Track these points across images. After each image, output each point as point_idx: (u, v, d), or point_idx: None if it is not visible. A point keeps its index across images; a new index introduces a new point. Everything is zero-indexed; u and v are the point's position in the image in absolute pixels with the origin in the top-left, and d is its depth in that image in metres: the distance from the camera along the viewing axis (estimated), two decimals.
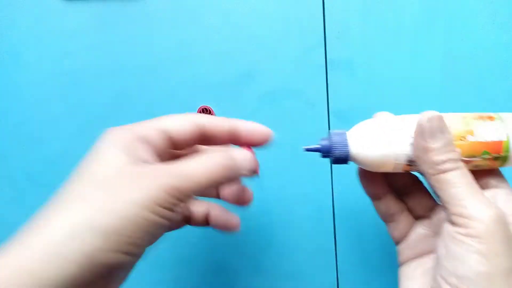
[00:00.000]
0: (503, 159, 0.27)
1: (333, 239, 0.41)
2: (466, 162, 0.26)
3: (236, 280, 0.42)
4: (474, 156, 0.26)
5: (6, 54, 0.42)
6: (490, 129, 0.26)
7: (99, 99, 0.42)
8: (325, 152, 0.29)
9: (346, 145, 0.28)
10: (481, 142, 0.26)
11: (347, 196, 0.41)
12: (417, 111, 0.40)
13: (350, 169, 0.41)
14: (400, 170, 0.28)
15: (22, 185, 0.43)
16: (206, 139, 0.27)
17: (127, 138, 0.24)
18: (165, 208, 0.22)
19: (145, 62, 0.41)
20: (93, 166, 0.23)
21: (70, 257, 0.20)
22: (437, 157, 0.24)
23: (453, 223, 0.23)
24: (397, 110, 0.40)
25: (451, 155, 0.24)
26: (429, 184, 0.25)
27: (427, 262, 0.28)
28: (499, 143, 0.26)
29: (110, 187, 0.22)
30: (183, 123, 0.26)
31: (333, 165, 0.29)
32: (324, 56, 0.40)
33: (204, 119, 0.27)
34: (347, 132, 0.29)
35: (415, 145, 0.26)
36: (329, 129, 0.41)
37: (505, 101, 0.40)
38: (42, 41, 0.42)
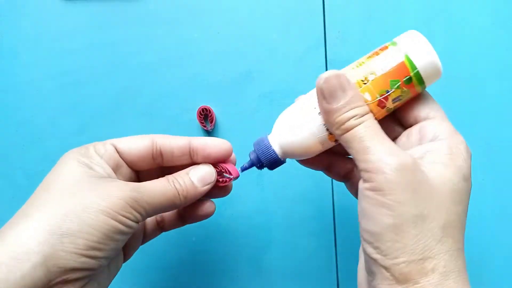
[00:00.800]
0: (417, 79, 0.24)
1: (333, 239, 0.41)
2: (383, 102, 0.24)
3: (236, 280, 0.42)
4: (386, 91, 0.24)
5: (6, 54, 0.42)
6: (386, 58, 0.25)
7: (99, 99, 0.42)
8: (258, 163, 0.29)
9: (270, 149, 0.27)
10: (383, 74, 0.24)
11: (347, 196, 0.41)
12: None
13: None
14: (331, 144, 0.27)
15: (22, 185, 0.43)
16: (164, 157, 0.29)
17: (85, 154, 0.26)
18: (124, 216, 0.23)
19: (145, 62, 0.41)
20: (55, 177, 0.24)
21: (34, 259, 0.20)
22: (341, 116, 0.23)
23: (363, 179, 0.22)
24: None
25: (355, 111, 0.23)
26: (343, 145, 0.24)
27: None
28: (401, 65, 0.24)
29: (71, 194, 0.23)
30: (136, 140, 0.28)
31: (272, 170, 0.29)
32: (324, 56, 0.40)
33: (158, 137, 0.28)
34: (268, 136, 0.28)
35: (320, 111, 0.25)
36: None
37: (505, 101, 0.40)
38: (42, 41, 0.42)
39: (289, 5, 0.40)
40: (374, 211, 0.21)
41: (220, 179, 0.29)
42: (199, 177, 0.28)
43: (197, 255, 0.42)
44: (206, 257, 0.42)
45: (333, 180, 0.41)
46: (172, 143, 0.28)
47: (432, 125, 0.24)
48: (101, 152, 0.26)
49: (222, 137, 0.41)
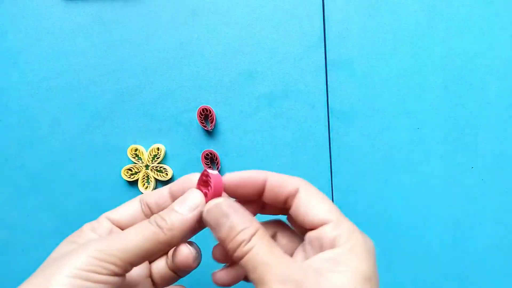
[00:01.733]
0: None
1: None
2: None
3: None
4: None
5: (6, 54, 0.42)
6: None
7: (99, 99, 0.42)
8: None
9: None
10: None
11: (346, 195, 0.41)
12: (417, 110, 0.40)
13: (350, 168, 0.41)
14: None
15: (22, 185, 0.43)
16: (152, 211, 0.28)
17: (77, 234, 0.26)
18: (93, 272, 0.22)
19: (145, 62, 0.41)
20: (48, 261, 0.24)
21: None
22: (230, 244, 0.23)
23: None
24: (397, 109, 0.40)
25: (241, 237, 0.23)
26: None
27: None
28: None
29: (47, 268, 0.22)
30: (127, 207, 0.28)
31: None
32: (324, 56, 0.40)
33: (144, 195, 0.28)
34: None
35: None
36: (328, 129, 0.41)
37: (505, 103, 0.40)
38: (42, 41, 0.42)
39: (289, 5, 0.40)
40: None
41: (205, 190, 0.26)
42: (181, 202, 0.25)
43: None
44: (206, 257, 0.42)
45: (333, 180, 0.41)
46: (155, 194, 0.28)
47: (328, 230, 0.23)
48: (95, 227, 0.26)
49: (222, 137, 0.41)
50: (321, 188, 0.41)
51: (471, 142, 0.40)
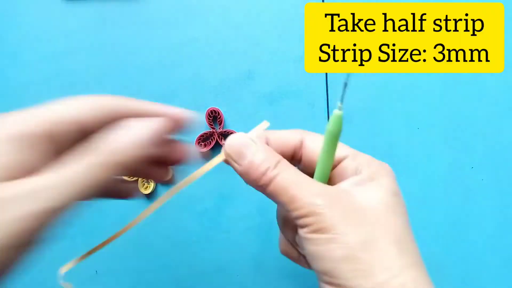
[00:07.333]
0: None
1: None
2: None
3: (236, 280, 0.42)
4: None
5: (6, 54, 0.42)
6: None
7: None
8: None
9: None
10: None
11: None
12: (417, 109, 0.40)
13: None
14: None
15: None
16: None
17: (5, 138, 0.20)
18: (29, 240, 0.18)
19: (145, 62, 0.41)
20: None
21: None
22: (254, 174, 0.23)
23: (300, 226, 0.22)
24: (397, 109, 0.40)
25: (265, 164, 0.22)
26: None
27: None
28: None
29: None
30: (83, 111, 0.21)
31: None
32: None
33: (112, 102, 0.22)
34: None
35: (239, 175, 0.24)
36: None
37: (505, 103, 0.40)
38: (42, 41, 0.42)
39: (289, 5, 0.40)
40: (323, 250, 0.21)
41: None
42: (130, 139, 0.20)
43: (197, 255, 0.42)
44: (206, 257, 0.42)
45: None
46: (130, 111, 0.23)
47: (348, 162, 0.25)
48: (29, 136, 0.21)
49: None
50: None
51: (471, 142, 0.40)
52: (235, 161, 0.24)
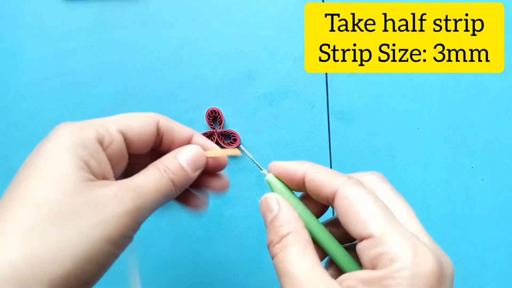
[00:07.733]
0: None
1: None
2: None
3: (236, 280, 0.42)
4: None
5: (6, 54, 0.42)
6: None
7: (99, 99, 0.42)
8: None
9: None
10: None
11: None
12: (417, 109, 0.40)
13: (350, 168, 0.41)
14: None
15: None
16: (162, 148, 0.24)
17: (83, 143, 0.20)
18: (126, 236, 0.19)
19: (145, 62, 0.41)
20: (38, 185, 0.19)
21: None
22: (271, 236, 0.22)
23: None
24: (398, 109, 0.40)
25: (281, 231, 0.21)
26: None
27: None
28: None
29: (60, 217, 0.18)
30: (144, 127, 0.22)
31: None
32: None
33: (163, 123, 0.23)
34: None
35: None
36: (328, 129, 0.41)
37: (505, 103, 0.40)
38: (42, 41, 0.42)
39: (289, 5, 0.40)
40: None
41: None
42: (188, 160, 0.23)
43: (197, 255, 0.42)
44: (206, 257, 0.42)
45: None
46: (176, 134, 0.24)
47: (386, 243, 0.18)
48: (106, 142, 0.21)
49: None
50: None
51: (471, 142, 0.40)
52: (263, 217, 0.23)
